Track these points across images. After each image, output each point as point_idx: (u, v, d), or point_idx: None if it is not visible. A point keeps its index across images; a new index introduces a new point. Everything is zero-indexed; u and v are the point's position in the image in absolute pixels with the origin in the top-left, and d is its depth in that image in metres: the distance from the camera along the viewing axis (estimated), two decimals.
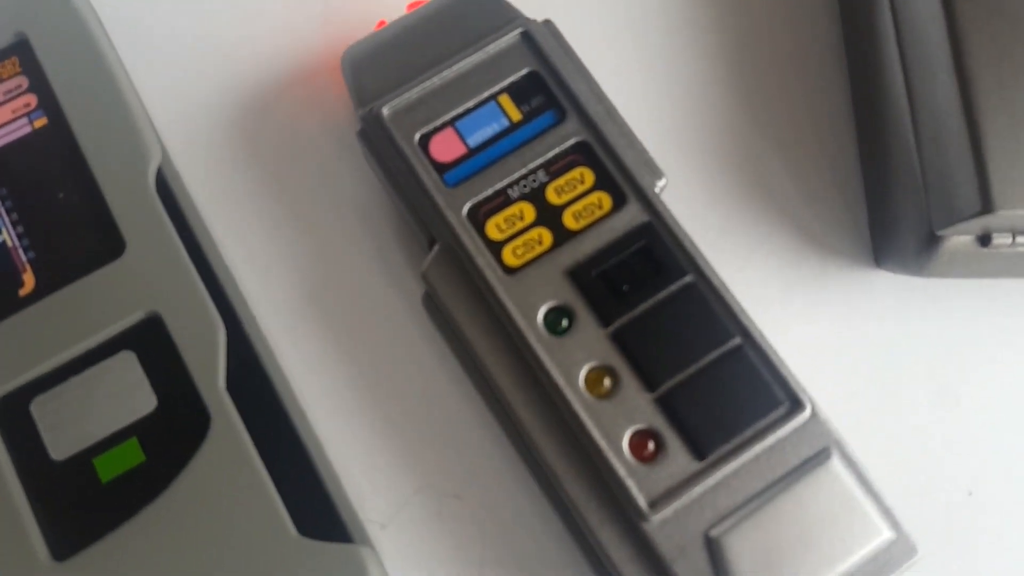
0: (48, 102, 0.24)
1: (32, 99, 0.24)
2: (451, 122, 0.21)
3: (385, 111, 0.21)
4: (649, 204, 0.21)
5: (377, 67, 0.22)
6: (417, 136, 0.21)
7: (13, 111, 0.24)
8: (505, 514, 0.22)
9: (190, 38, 0.25)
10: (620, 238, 0.20)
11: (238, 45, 0.25)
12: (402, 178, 0.21)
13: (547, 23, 0.23)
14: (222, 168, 0.24)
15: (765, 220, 0.24)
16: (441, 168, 0.21)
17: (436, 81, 0.21)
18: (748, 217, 0.24)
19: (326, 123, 0.24)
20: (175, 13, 0.26)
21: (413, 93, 0.21)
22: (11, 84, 0.24)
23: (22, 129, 0.24)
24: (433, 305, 0.21)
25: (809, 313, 0.24)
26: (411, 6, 0.24)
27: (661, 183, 0.21)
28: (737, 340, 0.20)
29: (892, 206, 0.24)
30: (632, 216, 0.21)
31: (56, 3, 0.24)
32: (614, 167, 0.21)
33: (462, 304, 0.20)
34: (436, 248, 0.21)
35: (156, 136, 0.23)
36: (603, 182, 0.21)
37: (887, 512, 0.19)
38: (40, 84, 0.24)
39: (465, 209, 0.21)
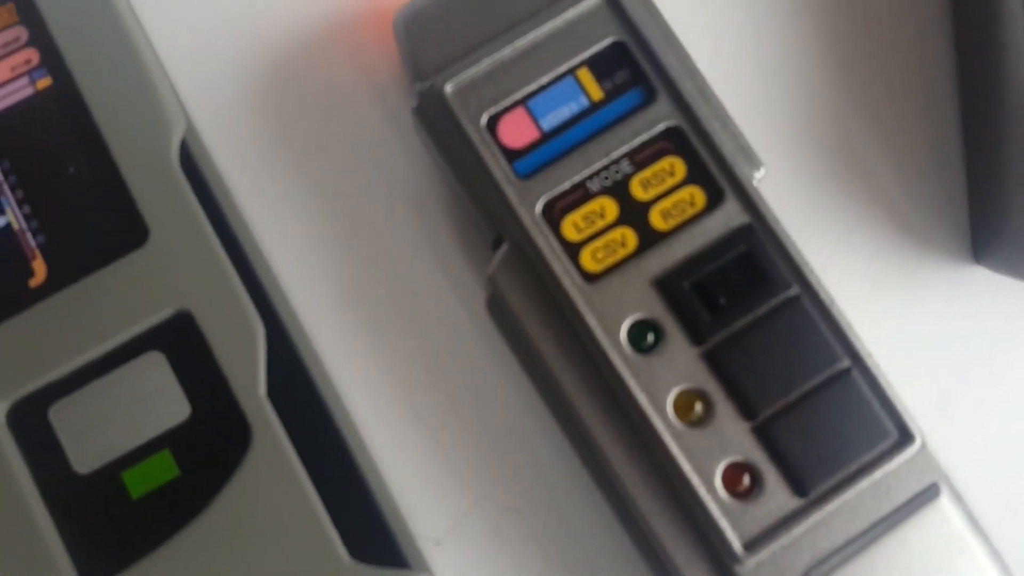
0: (52, 59, 0.20)
1: (33, 55, 0.21)
2: (523, 101, 0.19)
3: (448, 88, 0.18)
4: (750, 202, 0.18)
5: (437, 32, 0.19)
6: (485, 118, 0.18)
7: (12, 68, 0.21)
8: (569, 532, 0.20)
9: None
10: (716, 242, 0.18)
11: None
12: (466, 165, 0.19)
13: None
14: (254, 141, 0.21)
15: (856, 205, 0.22)
16: (511, 155, 0.19)
17: (507, 52, 0.19)
18: (838, 202, 0.22)
19: (374, 90, 0.21)
20: None
21: (480, 66, 0.18)
22: (8, 36, 0.21)
23: (23, 90, 0.20)
24: (499, 310, 0.19)
25: (899, 311, 0.22)
26: None
27: (759, 174, 0.19)
28: (845, 363, 0.18)
29: (998, 199, 0.21)
30: (730, 216, 0.18)
31: None
32: (710, 157, 0.18)
33: (533, 312, 0.18)
34: (504, 248, 0.18)
35: (179, 102, 0.20)
36: (696, 175, 0.18)
37: (996, 556, 0.17)
38: (42, 37, 0.21)
39: (539, 205, 0.18)
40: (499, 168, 0.18)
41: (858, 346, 0.18)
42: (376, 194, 0.21)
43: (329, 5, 0.22)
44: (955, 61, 0.23)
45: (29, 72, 0.21)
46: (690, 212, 0.18)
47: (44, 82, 0.20)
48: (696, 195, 0.18)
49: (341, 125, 0.21)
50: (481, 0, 0.19)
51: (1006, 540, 0.18)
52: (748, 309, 0.18)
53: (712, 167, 0.18)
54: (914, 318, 0.22)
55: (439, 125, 0.19)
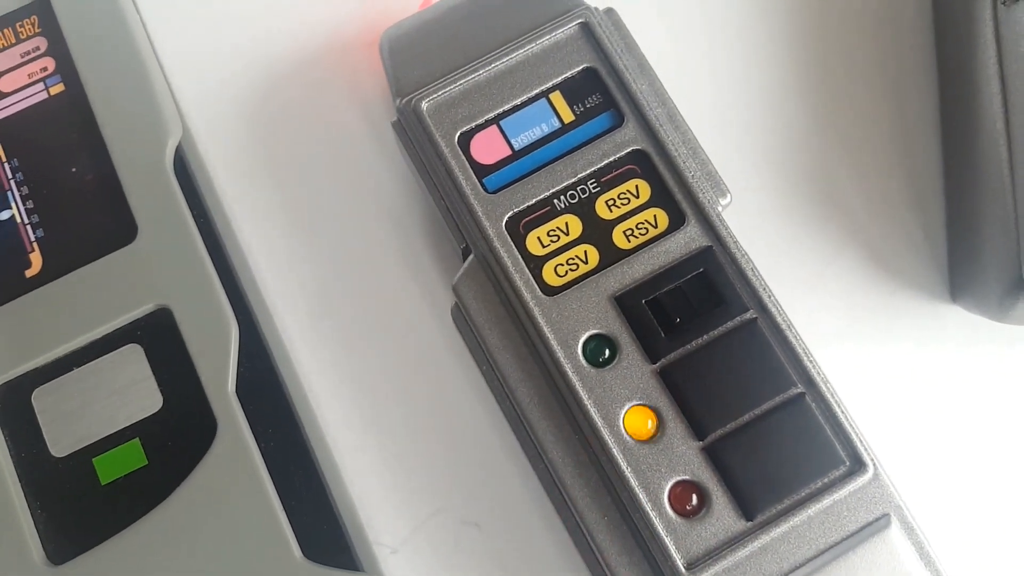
0: (66, 67, 0.22)
1: (50, 63, 0.22)
2: (496, 120, 0.19)
3: (424, 104, 0.19)
4: (711, 226, 0.18)
5: (418, 53, 0.20)
6: (458, 134, 0.19)
7: (29, 75, 0.22)
8: (526, 548, 0.20)
9: (217, 5, 0.23)
10: (675, 263, 0.18)
11: (267, 14, 0.23)
12: (438, 178, 0.19)
13: (609, 12, 0.20)
14: (244, 150, 0.22)
15: (833, 239, 0.22)
16: (482, 171, 0.19)
17: (483, 74, 0.19)
18: (815, 235, 0.22)
19: (358, 107, 0.22)
20: None
21: (457, 86, 0.19)
22: (29, 45, 0.22)
23: (38, 95, 0.22)
24: (463, 320, 0.19)
25: (873, 347, 0.22)
26: None
27: (725, 201, 0.19)
28: (799, 388, 0.18)
29: (977, 241, 0.21)
30: (690, 238, 0.18)
31: None
32: (674, 181, 0.19)
33: (494, 323, 0.19)
34: (470, 259, 0.19)
35: (177, 111, 0.22)
36: (660, 197, 0.19)
37: None
38: (59, 47, 0.22)
39: (505, 219, 0.19)
40: (468, 182, 0.19)
41: (814, 372, 0.18)
42: (354, 201, 0.22)
43: (324, 26, 0.23)
44: (937, 101, 0.23)
45: (44, 79, 0.22)
46: (652, 233, 0.19)
47: (57, 88, 0.22)
48: (659, 216, 0.19)
49: (328, 139, 0.22)
50: (463, 25, 0.20)
51: (958, 573, 0.17)
52: (704, 329, 0.18)
53: (676, 191, 0.19)
54: (887, 353, 0.21)
55: (415, 138, 0.20)
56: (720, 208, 0.19)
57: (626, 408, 0.18)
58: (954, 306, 0.22)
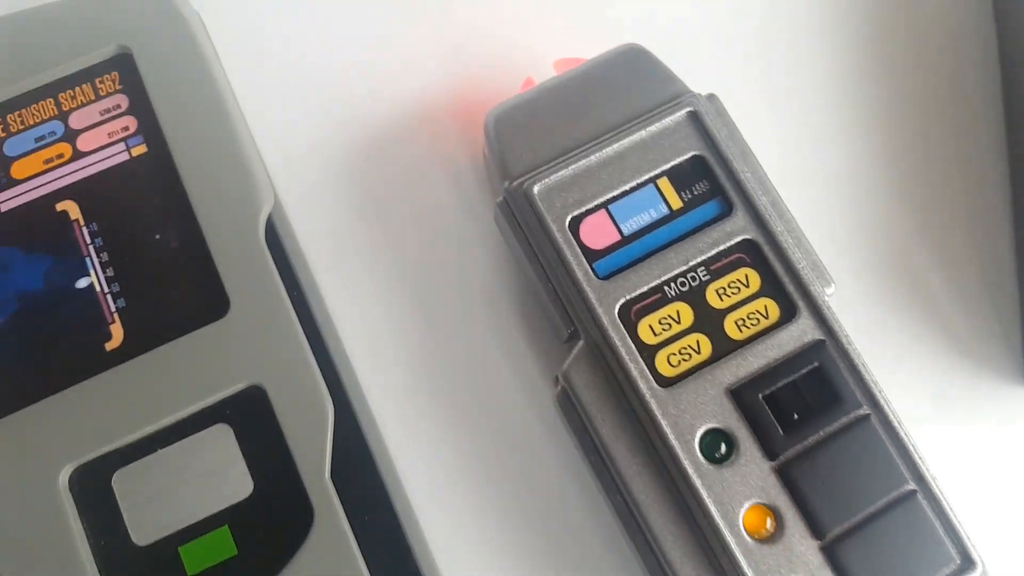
0: (149, 127, 0.21)
1: (131, 122, 0.21)
2: (605, 204, 0.19)
3: (536, 188, 0.19)
4: (823, 319, 0.18)
5: (525, 134, 0.20)
6: (568, 218, 0.19)
7: (110, 134, 0.21)
8: None
9: (306, 67, 0.23)
10: (789, 356, 0.18)
11: (359, 79, 0.23)
12: (547, 262, 0.19)
13: (711, 98, 0.20)
14: (335, 220, 0.22)
15: (914, 324, 0.22)
16: (592, 255, 0.19)
17: (593, 159, 0.19)
18: (897, 320, 0.22)
19: (450, 179, 0.22)
20: (292, 39, 0.23)
21: (567, 170, 0.19)
22: (109, 103, 0.22)
23: (119, 155, 0.21)
24: (570, 406, 0.19)
25: (955, 432, 0.22)
26: (560, 63, 0.22)
27: (830, 291, 0.19)
28: (911, 485, 0.18)
29: None
30: (803, 331, 0.18)
31: (166, 17, 0.22)
32: (784, 271, 0.19)
33: (607, 413, 0.18)
34: (580, 345, 0.19)
35: (268, 178, 0.21)
36: (770, 287, 0.19)
37: None
38: (141, 106, 0.21)
39: (617, 306, 0.18)
40: (580, 267, 0.19)
41: (923, 468, 0.18)
42: (449, 282, 0.21)
43: (416, 95, 0.23)
44: (1010, 186, 0.23)
45: (126, 139, 0.21)
46: (764, 324, 0.19)
47: (139, 149, 0.21)
48: (770, 307, 0.19)
49: (420, 212, 0.22)
50: (568, 106, 0.20)
51: None
52: (820, 425, 0.18)
53: (786, 281, 0.19)
54: (970, 439, 0.22)
55: (523, 221, 0.19)
56: (827, 298, 0.19)
57: (746, 507, 0.17)
58: None
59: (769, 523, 0.17)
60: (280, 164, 0.22)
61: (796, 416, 0.18)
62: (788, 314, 0.19)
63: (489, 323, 0.21)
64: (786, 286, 0.19)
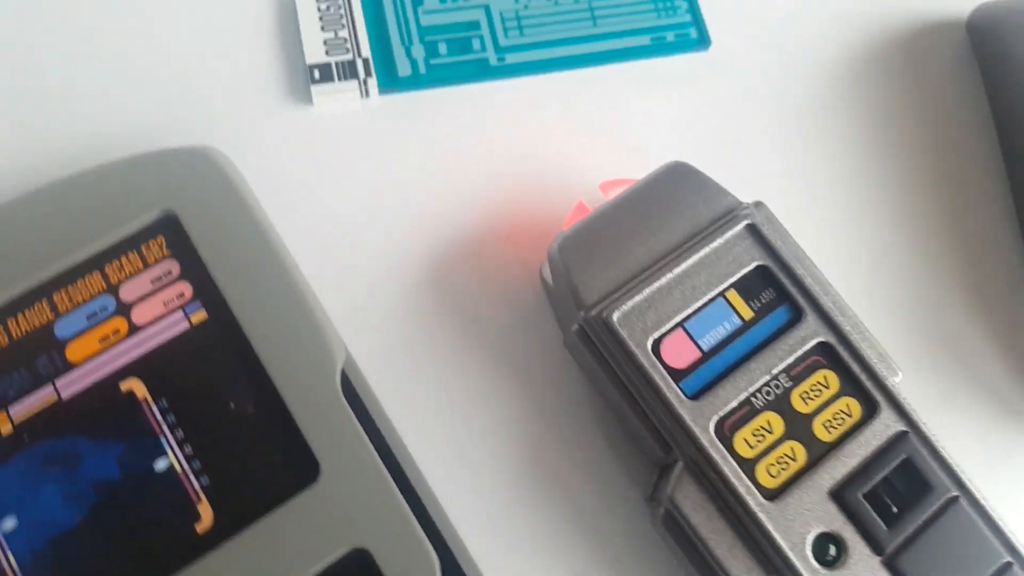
0: (206, 291, 0.21)
1: (186, 288, 0.21)
2: (681, 323, 0.20)
3: (616, 315, 0.19)
4: (902, 411, 0.19)
5: (592, 262, 0.20)
6: (650, 341, 0.20)
7: (165, 303, 0.21)
8: None
9: (353, 211, 0.23)
10: (879, 451, 0.19)
11: (405, 217, 0.23)
12: (635, 387, 0.19)
13: (759, 206, 0.21)
14: (401, 362, 0.22)
15: (962, 394, 0.24)
16: (676, 375, 0.20)
17: (664, 280, 0.20)
18: (957, 397, 0.24)
19: (512, 307, 0.22)
20: (330, 186, 0.23)
21: (641, 294, 0.20)
22: (160, 270, 0.21)
23: (178, 325, 0.21)
24: (677, 528, 0.19)
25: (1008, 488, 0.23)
26: (605, 185, 0.22)
27: (898, 380, 0.20)
28: (1006, 558, 0.19)
29: None
30: (886, 425, 0.19)
31: (206, 174, 0.22)
32: (859, 368, 0.20)
33: (718, 530, 0.19)
34: (679, 467, 0.19)
35: (335, 329, 0.21)
36: (849, 385, 0.20)
37: None
38: (194, 270, 0.21)
39: (712, 424, 0.19)
40: (670, 390, 0.19)
41: (1014, 540, 0.19)
42: (527, 413, 0.21)
43: (464, 226, 0.23)
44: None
45: (183, 306, 0.21)
46: (849, 423, 0.19)
47: (199, 315, 0.21)
48: (852, 405, 0.20)
49: (484, 342, 0.22)
50: (629, 230, 0.21)
51: None
52: (916, 514, 0.19)
53: (863, 378, 0.20)
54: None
55: (604, 349, 0.20)
56: (898, 388, 0.20)
57: None
58: None
59: None
60: (341, 312, 0.22)
61: (895, 509, 0.19)
62: (869, 410, 0.20)
63: (574, 450, 0.21)
64: (863, 383, 0.20)
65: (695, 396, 0.19)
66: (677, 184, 0.21)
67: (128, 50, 0.24)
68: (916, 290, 0.24)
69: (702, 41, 0.26)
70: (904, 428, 0.19)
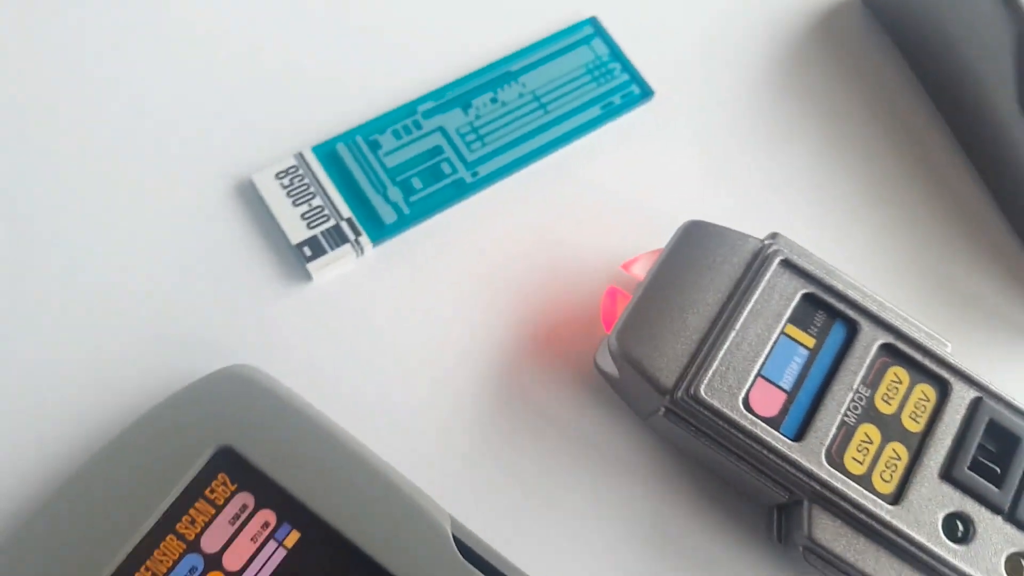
0: (290, 511, 0.20)
1: (268, 515, 0.20)
2: (759, 374, 0.21)
3: (703, 390, 0.20)
4: (969, 379, 0.21)
5: (654, 344, 0.21)
6: (740, 401, 0.20)
7: (253, 538, 0.20)
8: None
9: (385, 367, 0.23)
10: (964, 423, 0.21)
11: (437, 353, 0.23)
12: (741, 448, 0.20)
13: (776, 236, 0.22)
14: (493, 498, 0.22)
15: (991, 336, 0.26)
16: (773, 423, 0.20)
17: (729, 340, 0.21)
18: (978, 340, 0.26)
19: (579, 405, 0.23)
20: (359, 351, 0.23)
21: (716, 363, 0.20)
22: (233, 508, 0.20)
23: (275, 555, 0.20)
24: (820, 560, 0.20)
25: None
26: (628, 264, 0.23)
27: (949, 349, 0.22)
28: None
29: None
30: (961, 397, 0.21)
31: (245, 394, 0.21)
32: (921, 356, 0.21)
33: (862, 551, 0.20)
34: (806, 505, 0.20)
35: (432, 499, 0.20)
36: (918, 374, 0.21)
37: None
38: (270, 494, 0.20)
39: (823, 456, 0.20)
40: (776, 440, 0.20)
41: None
42: (631, 495, 0.22)
43: (496, 339, 0.23)
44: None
45: (272, 534, 0.20)
46: (930, 407, 0.21)
47: (292, 538, 0.20)
48: (927, 391, 0.21)
49: (565, 446, 0.22)
50: (681, 304, 0.21)
51: None
52: (1017, 465, 0.20)
53: (926, 362, 0.21)
54: None
55: (699, 423, 0.20)
56: (954, 358, 0.22)
57: (1003, 561, 0.20)
58: None
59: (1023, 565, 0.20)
60: (420, 471, 0.22)
61: (998, 469, 0.20)
62: (942, 389, 0.21)
63: (684, 516, 0.22)
64: (929, 367, 0.21)
65: (798, 437, 0.20)
66: (699, 243, 0.22)
67: (144, 305, 0.23)
68: (911, 258, 0.26)
69: (645, 93, 0.27)
70: (977, 394, 0.21)
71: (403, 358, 0.23)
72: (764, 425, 0.20)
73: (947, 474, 0.20)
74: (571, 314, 0.24)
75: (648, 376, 0.21)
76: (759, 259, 0.22)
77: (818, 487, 0.20)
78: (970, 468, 0.20)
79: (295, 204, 0.24)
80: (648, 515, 0.22)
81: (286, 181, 0.24)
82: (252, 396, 0.21)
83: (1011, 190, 0.27)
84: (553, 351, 0.23)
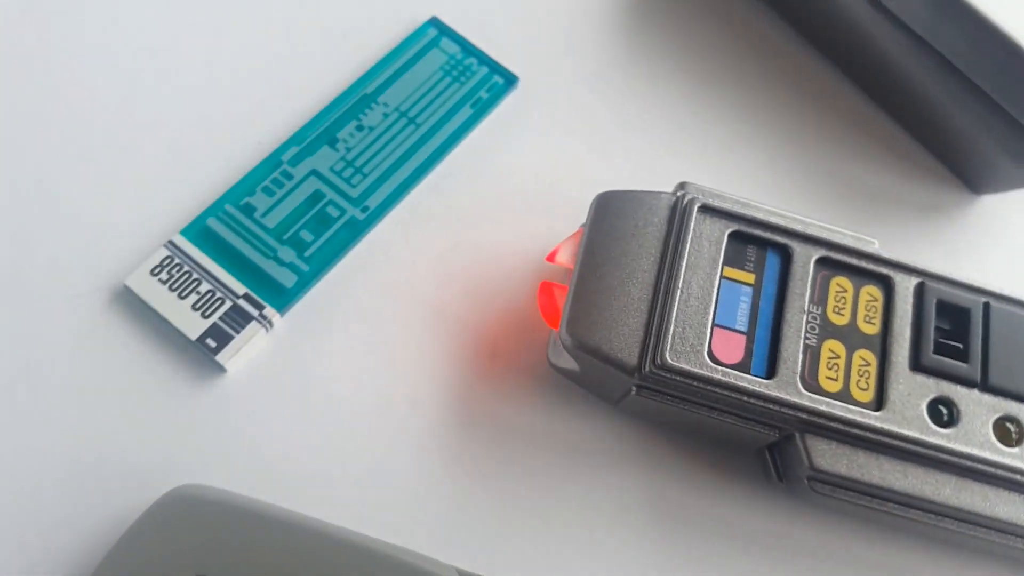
0: None
1: None
2: (713, 325, 0.20)
3: (668, 357, 0.19)
4: (907, 268, 0.21)
5: (611, 328, 0.20)
6: (706, 356, 0.20)
7: None
8: None
9: (334, 435, 0.21)
10: (916, 310, 0.21)
11: (385, 404, 0.21)
12: (720, 401, 0.20)
13: (686, 185, 0.22)
14: (484, 532, 0.20)
15: (902, 215, 0.26)
16: (743, 367, 0.20)
17: (676, 303, 0.20)
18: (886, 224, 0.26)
19: (545, 409, 0.22)
20: (297, 429, 0.21)
21: (671, 328, 0.20)
22: None
23: None
24: (830, 488, 0.20)
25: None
26: (551, 256, 0.22)
27: (877, 245, 0.22)
28: None
29: (965, 142, 0.26)
30: (905, 288, 0.21)
31: (209, 520, 0.18)
32: (856, 259, 0.21)
33: (862, 464, 0.20)
34: (798, 437, 0.20)
35: (432, 559, 0.19)
36: (859, 278, 0.21)
37: None
38: None
39: (799, 385, 0.20)
40: (751, 382, 0.20)
41: None
42: (620, 479, 0.21)
43: (442, 375, 0.22)
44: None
45: None
46: (880, 306, 0.21)
47: None
48: (872, 292, 0.21)
49: (541, 452, 0.21)
50: (618, 279, 0.20)
51: None
52: (974, 336, 0.21)
53: (862, 264, 0.21)
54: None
55: (674, 389, 0.20)
56: (885, 252, 0.22)
57: (990, 431, 0.20)
58: (981, 197, 0.27)
59: (1012, 428, 0.20)
60: (396, 526, 0.20)
61: (961, 346, 0.21)
62: (885, 284, 0.21)
63: (682, 481, 0.21)
64: (867, 268, 0.21)
65: (770, 374, 0.20)
66: (616, 213, 0.21)
67: (58, 450, 0.20)
68: (810, 170, 0.26)
69: (510, 81, 0.26)
70: (918, 280, 0.21)
71: (350, 421, 0.21)
72: (736, 372, 0.20)
73: (916, 365, 0.20)
74: (511, 321, 0.23)
75: (611, 360, 0.20)
76: (678, 212, 0.21)
77: (805, 416, 0.20)
78: (935, 352, 0.21)
79: (181, 296, 0.21)
80: (647, 499, 0.21)
81: (164, 275, 0.21)
82: (206, 517, 0.19)
83: (880, 84, 0.27)
84: (504, 364, 0.22)
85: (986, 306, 0.21)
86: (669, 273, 0.20)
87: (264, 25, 0.26)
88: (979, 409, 0.20)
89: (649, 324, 0.20)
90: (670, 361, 0.19)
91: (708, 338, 0.20)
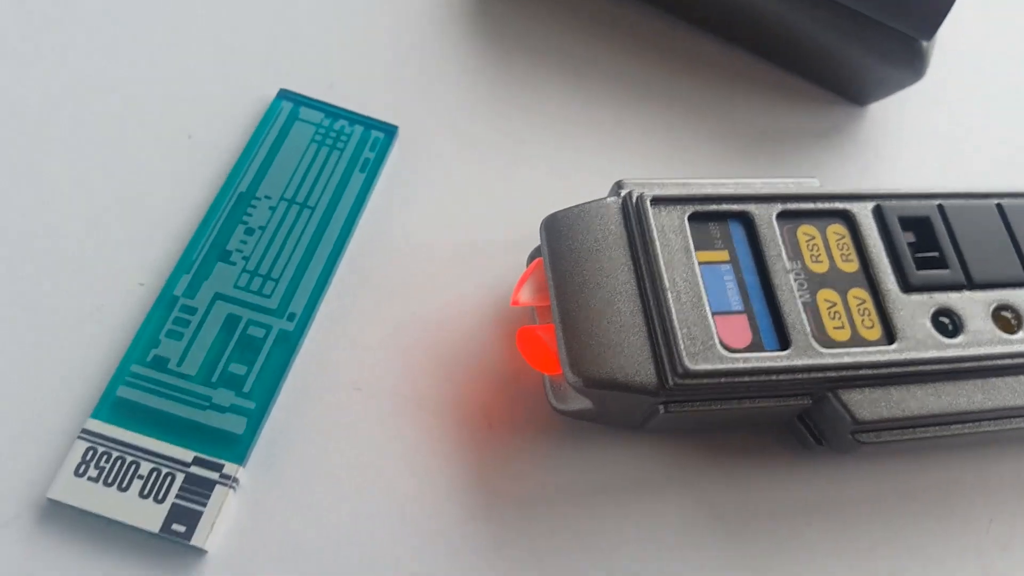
0: None
1: None
2: (712, 313, 0.19)
3: (687, 362, 0.18)
4: (858, 196, 0.21)
5: (617, 354, 0.18)
6: (720, 350, 0.18)
7: None
8: None
9: (344, 556, 0.18)
10: (884, 234, 0.21)
11: (386, 505, 0.18)
12: (748, 388, 0.18)
13: (623, 183, 0.21)
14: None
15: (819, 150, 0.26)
16: (757, 347, 0.19)
17: (670, 302, 0.19)
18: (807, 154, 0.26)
19: (568, 453, 0.20)
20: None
21: (676, 328, 0.18)
22: None
23: None
24: (877, 439, 0.19)
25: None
26: (516, 300, 0.20)
27: (818, 183, 0.22)
28: (996, 200, 0.22)
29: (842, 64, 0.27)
30: (865, 216, 0.21)
31: None
32: (808, 203, 0.21)
33: (898, 401, 0.19)
34: (834, 396, 0.19)
35: None
36: (821, 221, 0.21)
37: None
38: None
39: (815, 346, 0.19)
40: (772, 360, 0.18)
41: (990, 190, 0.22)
42: (668, 494, 0.20)
43: (443, 450, 0.19)
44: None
45: None
46: (850, 240, 0.21)
47: None
48: (836, 229, 0.21)
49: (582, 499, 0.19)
50: (603, 301, 0.19)
51: None
52: (944, 240, 0.21)
53: (819, 206, 0.21)
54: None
55: (701, 392, 0.18)
56: (828, 188, 0.21)
57: (989, 321, 0.20)
58: (866, 108, 0.27)
59: (1009, 316, 0.20)
60: None
61: (938, 255, 0.21)
62: (846, 218, 0.21)
63: (737, 480, 0.20)
64: (823, 208, 0.21)
65: (784, 344, 0.19)
66: (569, 233, 0.20)
67: None
68: (716, 132, 0.26)
69: (390, 132, 0.23)
70: (872, 204, 0.21)
71: (367, 557, 0.18)
72: (754, 355, 0.18)
73: (907, 286, 0.20)
74: (493, 380, 0.20)
75: (630, 387, 0.18)
76: (631, 213, 0.20)
77: (833, 374, 0.19)
78: (918, 269, 0.20)
79: (122, 488, 0.17)
80: (701, 511, 0.20)
81: (92, 472, 0.18)
82: None
83: (744, 29, 0.27)
84: (505, 426, 0.20)
85: (940, 208, 0.21)
86: (650, 277, 0.19)
87: (95, 152, 0.23)
88: (976, 308, 0.20)
89: (652, 336, 0.18)
90: (691, 367, 0.18)
91: (714, 330, 0.19)
